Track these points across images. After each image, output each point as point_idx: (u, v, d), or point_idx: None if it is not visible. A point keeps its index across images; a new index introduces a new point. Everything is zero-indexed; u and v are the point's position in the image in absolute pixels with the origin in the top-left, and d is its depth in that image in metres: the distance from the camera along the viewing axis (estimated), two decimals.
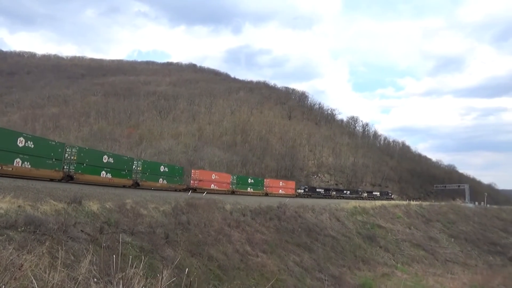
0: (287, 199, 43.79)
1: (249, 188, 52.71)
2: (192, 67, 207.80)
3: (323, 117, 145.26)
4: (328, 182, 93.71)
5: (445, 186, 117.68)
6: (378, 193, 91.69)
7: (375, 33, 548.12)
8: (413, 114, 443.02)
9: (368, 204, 55.31)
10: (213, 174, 48.58)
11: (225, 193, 46.08)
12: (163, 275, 6.28)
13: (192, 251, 19.08)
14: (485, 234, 62.14)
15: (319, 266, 28.59)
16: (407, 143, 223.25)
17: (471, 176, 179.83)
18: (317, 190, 74.84)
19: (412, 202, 70.02)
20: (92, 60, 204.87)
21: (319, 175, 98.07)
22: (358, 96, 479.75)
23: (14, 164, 22.86)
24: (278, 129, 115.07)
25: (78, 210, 15.89)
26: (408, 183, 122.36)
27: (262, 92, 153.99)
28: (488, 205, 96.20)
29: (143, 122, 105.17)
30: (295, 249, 29.01)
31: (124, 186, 31.58)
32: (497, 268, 46.66)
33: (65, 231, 12.44)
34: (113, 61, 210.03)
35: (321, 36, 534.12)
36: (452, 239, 53.54)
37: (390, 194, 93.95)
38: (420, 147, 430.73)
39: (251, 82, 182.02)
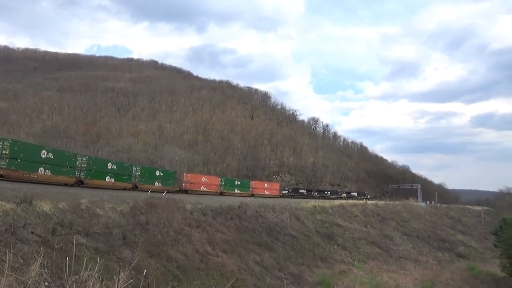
0: (271, 200, 44.60)
1: (236, 190, 57.29)
2: (153, 64, 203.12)
3: (284, 118, 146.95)
4: (288, 182, 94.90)
5: (399, 186, 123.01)
6: (356, 193, 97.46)
7: (336, 37, 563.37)
8: (371, 117, 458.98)
9: (327, 203, 56.61)
10: (203, 177, 53.35)
11: (214, 194, 50.76)
12: (120, 277, 6.12)
13: (151, 252, 18.67)
14: (435, 232, 65.49)
15: (279, 265, 28.93)
16: (365, 144, 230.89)
17: (423, 177, 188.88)
18: (300, 191, 79.22)
19: (368, 202, 72.44)
20: (46, 53, 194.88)
21: (280, 175, 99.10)
22: (319, 98, 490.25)
23: (38, 172, 28.30)
24: (240, 128, 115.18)
25: (28, 211, 15.13)
26: (365, 182, 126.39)
27: (225, 92, 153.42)
28: (438, 204, 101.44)
29: (101, 120, 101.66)
30: (256, 248, 29.18)
31: (124, 189, 36.00)
32: (445, 264, 49.36)
33: (13, 232, 11.82)
34: (69, 54, 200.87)
35: (285, 38, 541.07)
36: (405, 237, 55.94)
37: (366, 195, 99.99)
38: (377, 148, 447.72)
39: (213, 81, 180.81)
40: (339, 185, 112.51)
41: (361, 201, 70.06)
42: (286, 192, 74.23)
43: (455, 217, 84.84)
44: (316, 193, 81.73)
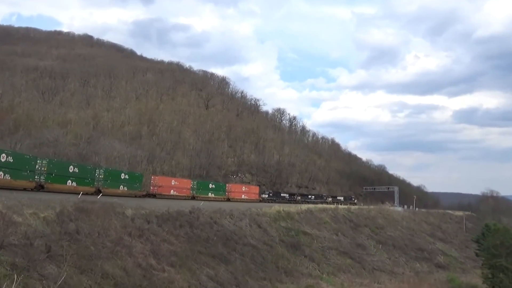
0: (246, 204, 44.60)
1: (210, 193, 61.42)
2: (87, 40, 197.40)
3: (245, 108, 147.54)
4: (249, 183, 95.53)
5: (374, 189, 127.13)
6: (342, 198, 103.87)
7: (307, 16, 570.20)
8: (345, 109, 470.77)
9: (293, 208, 57.49)
10: (173, 180, 56.89)
11: (185, 199, 53.46)
12: None
13: (82, 267, 18.20)
14: (413, 240, 68.42)
15: (237, 279, 29.08)
16: (337, 140, 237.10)
17: (401, 178, 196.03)
18: (282, 195, 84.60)
19: (340, 206, 74.46)
20: None
21: (240, 174, 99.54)
22: (287, 86, 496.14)
23: None
24: (192, 119, 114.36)
25: None
26: (337, 184, 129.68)
27: (175, 75, 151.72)
28: (417, 209, 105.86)
29: (20, 105, 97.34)
30: (209, 261, 29.17)
31: (87, 193, 38.22)
32: (423, 275, 51.66)
33: None
34: None
35: (247, 14, 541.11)
36: (380, 246, 57.97)
37: (353, 199, 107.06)
38: (351, 145, 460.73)
39: (161, 63, 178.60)
40: (307, 187, 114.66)
41: (332, 206, 71.83)
42: (267, 196, 79.13)
43: (435, 224, 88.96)
44: (299, 197, 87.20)
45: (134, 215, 28.47)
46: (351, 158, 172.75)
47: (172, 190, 54.63)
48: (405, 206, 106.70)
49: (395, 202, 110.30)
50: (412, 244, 65.61)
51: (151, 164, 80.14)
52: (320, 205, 69.58)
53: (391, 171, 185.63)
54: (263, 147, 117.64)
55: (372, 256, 52.72)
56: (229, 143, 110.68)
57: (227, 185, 69.27)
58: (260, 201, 72.71)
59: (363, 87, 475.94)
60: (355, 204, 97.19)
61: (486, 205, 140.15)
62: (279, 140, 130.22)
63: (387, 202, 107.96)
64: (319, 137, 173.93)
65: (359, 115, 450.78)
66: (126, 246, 23.10)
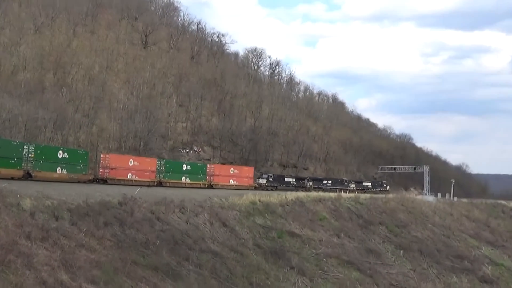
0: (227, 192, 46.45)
1: (184, 178, 68.99)
2: None
3: (204, 47, 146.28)
4: (209, 160, 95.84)
5: (394, 169, 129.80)
6: (370, 183, 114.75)
7: None
8: (353, 51, 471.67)
9: (275, 197, 58.45)
10: (131, 160, 63.07)
11: (148, 185, 59.32)
12: None
13: None
14: (449, 243, 70.27)
15: None
16: (341, 98, 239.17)
17: (434, 154, 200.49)
18: (286, 179, 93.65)
19: (344, 195, 75.74)
20: None
21: (195, 148, 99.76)
22: (267, 15, 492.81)
23: None
24: (123, 64, 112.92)
25: None
26: (339, 163, 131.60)
27: None
28: (455, 198, 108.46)
29: None
30: (150, 276, 29.31)
31: (12, 178, 42.72)
32: None
33: None
34: None
35: None
36: (401, 252, 59.27)
37: (385, 186, 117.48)
38: (361, 104, 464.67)
39: None
40: (295, 167, 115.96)
41: (332, 194, 73.09)
42: (265, 181, 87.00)
43: (481, 220, 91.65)
44: (310, 183, 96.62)
45: (35, 208, 28.29)
46: (361, 124, 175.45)
47: (129, 174, 61.12)
48: (439, 195, 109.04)
49: (425, 189, 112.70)
50: (448, 249, 67.31)
51: (59, 131, 79.18)
52: (315, 194, 70.67)
53: (419, 144, 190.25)
54: (230, 106, 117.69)
55: (390, 266, 53.87)
56: (180, 100, 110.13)
57: (208, 166, 76.20)
58: (256, 188, 79.00)
59: (382, 17, 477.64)
60: (387, 192, 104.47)
61: None
62: (254, 96, 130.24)
63: (412, 189, 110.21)
64: (315, 92, 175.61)
65: (374, 61, 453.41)
66: (22, 254, 23.00)
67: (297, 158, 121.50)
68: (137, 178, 60.72)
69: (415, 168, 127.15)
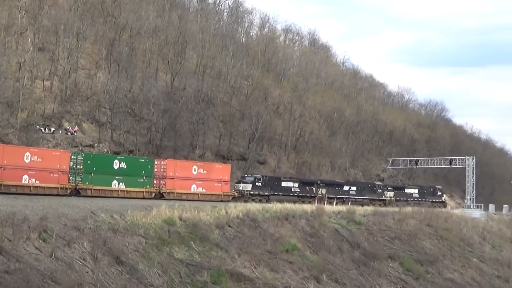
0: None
1: (115, 181, 72.73)
2: None
3: None
4: (93, 145, 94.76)
5: (416, 162, 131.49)
6: (416, 190, 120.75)
7: None
8: None
9: (207, 212, 57.94)
10: (28, 153, 65.83)
11: (56, 194, 63.22)
12: None
13: None
14: None
15: None
16: (325, 38, 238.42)
17: (484, 137, 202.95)
18: (284, 184, 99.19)
19: (327, 208, 75.63)
20: None
21: (67, 126, 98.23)
22: None
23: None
24: None
25: None
26: (319, 153, 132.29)
27: None
28: None
29: None
30: None
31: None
32: None
33: None
34: None
35: None
36: None
37: (439, 194, 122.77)
38: (360, 50, 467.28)
39: None
40: (243, 159, 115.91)
41: (308, 208, 72.96)
42: (250, 186, 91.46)
43: None
44: (323, 191, 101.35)
45: None
46: (359, 85, 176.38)
47: (25, 176, 63.05)
48: (491, 207, 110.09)
49: (467, 197, 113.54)
50: None
51: None
52: (291, 207, 70.41)
53: (458, 119, 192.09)
54: (130, 52, 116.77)
55: None
56: (40, 39, 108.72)
57: (156, 163, 79.41)
58: (234, 198, 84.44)
59: None
60: (441, 203, 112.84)
61: None
62: (172, 34, 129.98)
63: (446, 196, 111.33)
64: (279, 28, 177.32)
65: None
66: None
67: (246, 143, 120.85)
68: (38, 184, 62.29)
69: (451, 162, 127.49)
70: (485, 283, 69.67)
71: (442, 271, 68.22)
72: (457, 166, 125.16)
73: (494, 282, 71.39)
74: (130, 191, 70.82)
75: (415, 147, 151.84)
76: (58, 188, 63.49)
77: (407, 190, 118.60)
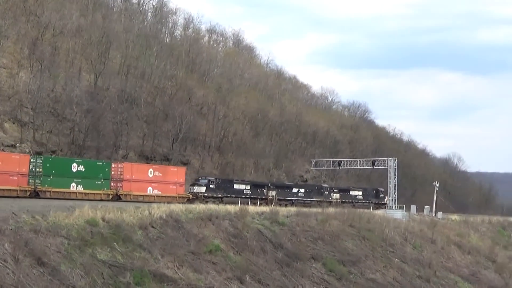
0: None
1: (73, 184, 75.92)
2: None
3: None
4: (14, 146, 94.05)
5: (339, 163, 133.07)
6: (360, 192, 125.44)
7: None
8: None
9: (131, 213, 57.60)
10: None
11: (15, 196, 64.62)
12: None
13: None
14: None
15: None
16: (249, 39, 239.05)
17: (406, 138, 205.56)
18: (236, 186, 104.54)
19: (251, 209, 75.56)
20: None
21: None
22: None
23: None
24: None
25: None
26: (243, 153, 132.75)
27: None
28: (439, 214, 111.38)
29: None
30: None
31: None
32: None
33: None
34: None
35: None
36: None
37: (381, 195, 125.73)
38: (284, 51, 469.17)
39: None
40: (167, 159, 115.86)
41: (232, 209, 72.93)
42: (204, 188, 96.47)
43: (482, 250, 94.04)
44: (274, 193, 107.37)
45: None
46: (283, 86, 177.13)
47: None
48: (413, 208, 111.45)
49: (389, 198, 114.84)
50: None
51: None
52: (215, 208, 70.56)
53: (381, 121, 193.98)
54: (52, 51, 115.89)
55: None
56: None
57: (113, 165, 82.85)
58: (189, 200, 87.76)
59: None
60: (383, 205, 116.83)
61: None
62: (96, 33, 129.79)
63: (334, 196, 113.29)
64: (203, 29, 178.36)
65: None
66: None
67: (170, 144, 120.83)
68: None
69: (373, 163, 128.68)
70: (406, 283, 70.54)
71: (364, 271, 68.84)
72: (380, 167, 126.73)
73: (415, 282, 72.38)
74: (88, 193, 72.70)
75: (338, 148, 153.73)
76: (17, 190, 64.84)
77: (352, 192, 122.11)
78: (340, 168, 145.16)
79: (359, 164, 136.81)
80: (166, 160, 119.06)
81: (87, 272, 45.39)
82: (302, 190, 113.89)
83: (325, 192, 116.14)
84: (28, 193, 66.52)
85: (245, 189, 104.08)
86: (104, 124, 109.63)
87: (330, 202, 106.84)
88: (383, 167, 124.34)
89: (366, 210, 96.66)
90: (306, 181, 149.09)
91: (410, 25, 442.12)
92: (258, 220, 69.34)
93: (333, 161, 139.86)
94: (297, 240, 68.42)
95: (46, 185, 68.73)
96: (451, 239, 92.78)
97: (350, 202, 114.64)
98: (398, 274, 72.28)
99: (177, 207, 66.18)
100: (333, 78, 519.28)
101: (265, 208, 79.09)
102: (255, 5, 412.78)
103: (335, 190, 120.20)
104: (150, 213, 59.21)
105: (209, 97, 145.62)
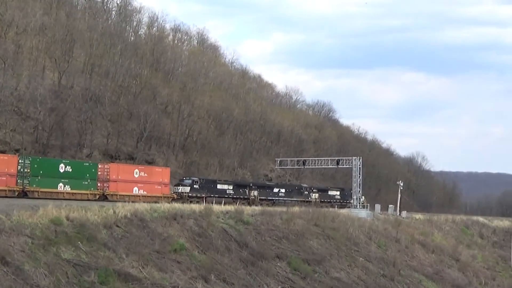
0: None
1: (61, 184, 77.06)
2: None
3: None
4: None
5: (304, 163, 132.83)
6: (338, 192, 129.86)
7: None
8: None
9: (95, 212, 57.20)
10: None
11: (5, 196, 65.18)
12: None
13: None
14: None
15: None
16: (214, 38, 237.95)
17: (370, 138, 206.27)
18: (219, 186, 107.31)
19: (215, 208, 75.52)
20: None
21: None
22: None
23: None
24: None
25: None
26: (208, 153, 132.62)
27: None
28: (404, 213, 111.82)
29: None
30: None
31: None
32: None
33: None
34: None
35: None
36: None
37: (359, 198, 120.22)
38: (249, 50, 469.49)
39: None
40: (131, 158, 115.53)
41: (197, 208, 72.77)
42: (188, 189, 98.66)
43: (446, 249, 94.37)
44: (256, 193, 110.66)
45: None
46: (248, 85, 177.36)
47: None
48: (377, 207, 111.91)
49: (354, 197, 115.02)
50: None
51: None
52: (180, 207, 70.49)
53: (345, 120, 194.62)
54: (15, 50, 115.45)
55: None
56: None
57: (100, 166, 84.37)
58: (173, 200, 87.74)
59: None
60: (363, 205, 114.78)
61: None
62: (59, 31, 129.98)
63: (314, 196, 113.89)
64: (167, 27, 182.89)
65: None
66: None
67: (135, 143, 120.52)
68: None
69: (338, 162, 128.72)
70: (371, 281, 70.75)
71: (329, 270, 68.91)
72: (344, 166, 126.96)
73: (380, 281, 72.61)
74: (75, 193, 74.10)
75: (303, 147, 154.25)
76: (6, 190, 65.52)
77: (330, 192, 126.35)
78: (305, 167, 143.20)
79: (324, 163, 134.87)
80: (131, 159, 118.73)
81: (51, 271, 45.08)
82: (283, 190, 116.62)
83: (305, 192, 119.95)
84: (16, 193, 67.44)
85: (228, 189, 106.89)
86: (68, 123, 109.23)
87: (310, 201, 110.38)
88: (347, 166, 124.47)
89: (331, 209, 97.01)
90: (271, 180, 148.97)
91: (374, 24, 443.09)
92: (223, 219, 69.18)
93: (297, 160, 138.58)
94: (262, 239, 68.35)
95: (34, 185, 69.98)
96: (415, 238, 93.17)
97: (328, 201, 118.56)
98: (363, 273, 72.45)
99: (141, 206, 65.83)
100: (298, 77, 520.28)
101: (230, 207, 79.00)
102: (220, 4, 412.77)
103: (314, 190, 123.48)
104: (114, 212, 58.91)
105: (174, 96, 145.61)
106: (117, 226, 56.38)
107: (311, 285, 64.02)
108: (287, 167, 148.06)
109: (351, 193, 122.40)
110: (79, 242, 50.43)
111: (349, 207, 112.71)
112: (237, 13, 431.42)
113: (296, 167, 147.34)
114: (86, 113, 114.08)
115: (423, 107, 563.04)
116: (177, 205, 72.05)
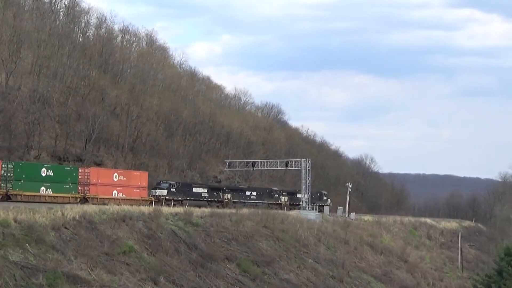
0: None
1: (43, 188, 79.36)
2: None
3: None
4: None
5: (253, 164, 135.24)
6: (307, 195, 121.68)
7: None
8: None
9: (43, 214, 56.71)
10: None
11: None
12: None
13: None
14: None
15: None
16: (163, 39, 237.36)
17: (319, 139, 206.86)
18: (195, 190, 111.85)
19: (165, 210, 75.48)
20: None
21: None
22: None
23: None
24: None
25: None
26: (157, 154, 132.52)
27: None
28: (352, 215, 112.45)
29: None
30: None
31: None
32: None
33: None
34: None
35: None
36: None
37: (325, 198, 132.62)
38: (198, 52, 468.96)
39: None
40: (80, 160, 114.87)
41: (145, 210, 72.69)
42: (165, 192, 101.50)
43: (394, 251, 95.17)
44: (229, 196, 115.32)
45: None
46: (196, 87, 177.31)
47: None
48: (326, 209, 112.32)
49: (302, 199, 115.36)
50: None
51: None
52: (129, 209, 70.25)
53: (294, 122, 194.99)
54: None
55: None
56: None
57: (80, 170, 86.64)
58: (151, 204, 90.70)
59: None
60: (329, 208, 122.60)
61: (507, 203, 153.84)
62: (6, 32, 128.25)
63: (283, 197, 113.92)
64: (116, 29, 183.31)
65: None
66: None
67: (83, 144, 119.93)
68: None
69: (287, 164, 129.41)
70: (320, 283, 71.11)
71: (278, 271, 69.18)
72: (293, 168, 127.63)
73: (329, 282, 73.04)
74: (57, 196, 76.14)
75: (252, 149, 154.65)
76: None
77: (298, 195, 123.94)
78: (254, 169, 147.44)
79: (273, 165, 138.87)
80: (79, 160, 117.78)
81: None
82: (255, 193, 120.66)
83: (275, 195, 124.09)
84: (0, 197, 68.67)
85: (203, 192, 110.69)
86: (15, 124, 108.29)
87: (280, 204, 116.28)
88: (296, 168, 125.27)
89: (280, 211, 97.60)
90: (220, 181, 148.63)
91: (323, 27, 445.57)
92: (172, 221, 69.18)
93: (246, 162, 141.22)
94: (211, 241, 68.41)
95: (17, 189, 71.95)
96: (364, 240, 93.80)
97: (297, 204, 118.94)
98: (312, 274, 72.82)
99: (90, 208, 65.75)
100: (247, 79, 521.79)
101: (179, 209, 78.96)
102: (169, 6, 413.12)
103: (283, 193, 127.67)
104: (63, 214, 58.60)
105: (122, 98, 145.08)
106: (66, 228, 56.10)
107: (261, 287, 64.31)
108: (236, 168, 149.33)
109: (318, 196, 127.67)
110: (27, 245, 50.10)
111: (316, 209, 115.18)
112: (186, 15, 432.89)
113: (245, 168, 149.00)
114: (34, 114, 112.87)
115: (372, 109, 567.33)
116: (125, 207, 71.92)
